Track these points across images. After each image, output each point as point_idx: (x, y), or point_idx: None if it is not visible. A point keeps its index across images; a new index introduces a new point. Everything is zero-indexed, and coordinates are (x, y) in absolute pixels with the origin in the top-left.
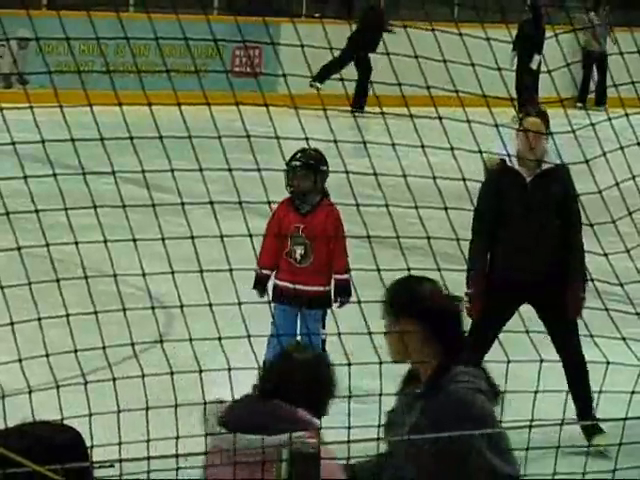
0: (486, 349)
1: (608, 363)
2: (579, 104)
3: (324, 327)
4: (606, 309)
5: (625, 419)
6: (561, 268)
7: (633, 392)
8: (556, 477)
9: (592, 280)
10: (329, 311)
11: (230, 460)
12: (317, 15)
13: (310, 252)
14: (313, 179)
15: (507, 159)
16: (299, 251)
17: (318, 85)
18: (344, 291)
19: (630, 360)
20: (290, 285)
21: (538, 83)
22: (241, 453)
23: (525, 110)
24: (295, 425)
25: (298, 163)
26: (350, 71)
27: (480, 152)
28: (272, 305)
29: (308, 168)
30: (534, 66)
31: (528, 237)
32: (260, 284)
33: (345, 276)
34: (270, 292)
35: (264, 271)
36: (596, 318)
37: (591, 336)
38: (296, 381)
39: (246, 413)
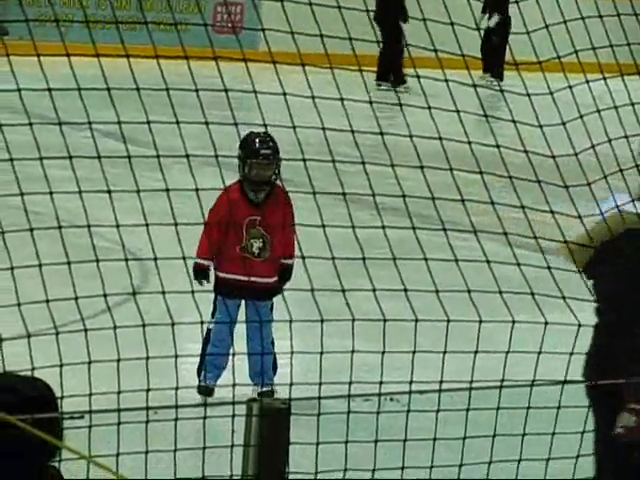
0: None
1: (579, 325)
2: None
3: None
4: (579, 272)
5: (595, 383)
6: None
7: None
8: (525, 437)
9: (566, 242)
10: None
11: None
12: None
13: (269, 245)
14: (275, 169)
15: None
16: (257, 244)
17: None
18: (289, 275)
19: None
20: (245, 278)
21: (506, 45)
22: None
23: None
24: None
25: (268, 152)
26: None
27: (457, 112)
28: (218, 299)
29: (274, 158)
30: (491, 24)
31: None
32: (201, 274)
33: (293, 260)
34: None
35: (204, 262)
36: (569, 281)
37: (563, 298)
38: None
39: None
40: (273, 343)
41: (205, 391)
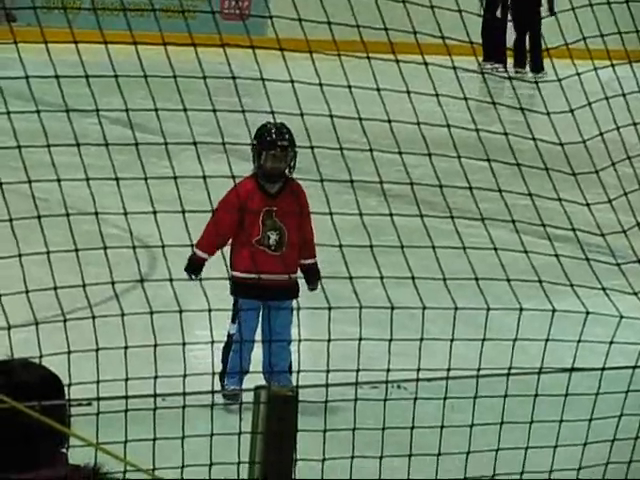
0: None
1: (587, 313)
2: None
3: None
4: (587, 259)
5: (603, 369)
6: None
7: (612, 342)
8: (533, 425)
9: (574, 230)
10: None
11: None
12: None
13: (285, 237)
14: (290, 161)
15: None
16: (274, 237)
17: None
18: (317, 274)
19: (610, 311)
20: (263, 276)
21: (506, 31)
22: None
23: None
24: None
25: (285, 143)
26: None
27: (465, 99)
28: (239, 303)
29: (289, 149)
30: (498, 13)
31: None
32: (196, 268)
33: (316, 259)
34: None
35: (203, 254)
36: (577, 269)
37: (571, 286)
38: None
39: None
40: (290, 342)
41: (231, 397)
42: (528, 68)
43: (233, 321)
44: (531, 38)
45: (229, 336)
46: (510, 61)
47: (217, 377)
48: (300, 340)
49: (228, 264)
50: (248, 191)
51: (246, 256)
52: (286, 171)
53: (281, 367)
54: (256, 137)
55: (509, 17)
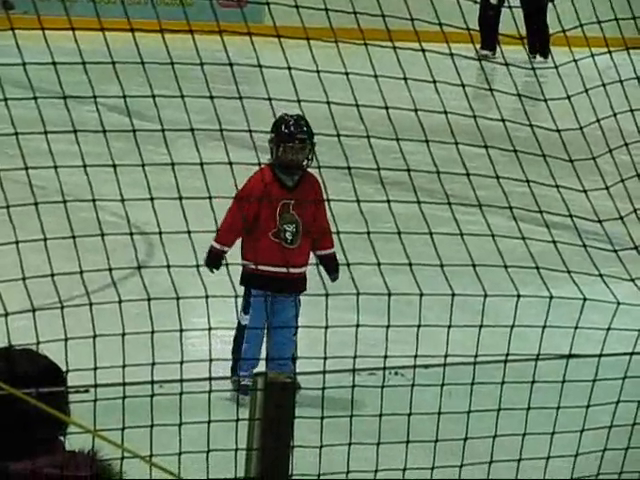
0: None
1: (585, 300)
2: None
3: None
4: (584, 246)
5: (600, 356)
6: None
7: (609, 329)
8: (530, 412)
9: (571, 217)
10: None
11: None
12: None
13: (300, 230)
14: (308, 153)
15: None
16: (290, 230)
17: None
18: (336, 265)
19: (607, 298)
20: (278, 269)
21: (499, 18)
22: None
23: None
24: None
25: (303, 136)
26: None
27: (463, 86)
28: (252, 294)
29: (307, 141)
30: (493, 0)
31: None
32: (216, 262)
33: (334, 249)
34: (224, 273)
35: (224, 248)
36: (574, 255)
37: (568, 272)
38: None
39: None
40: (296, 334)
41: (243, 389)
42: (538, 54)
43: (245, 312)
44: (537, 25)
45: (242, 327)
46: (515, 48)
47: (215, 365)
48: (297, 327)
49: (240, 254)
50: (266, 183)
51: (259, 247)
52: (304, 163)
53: (285, 353)
54: (273, 130)
55: (506, 3)
